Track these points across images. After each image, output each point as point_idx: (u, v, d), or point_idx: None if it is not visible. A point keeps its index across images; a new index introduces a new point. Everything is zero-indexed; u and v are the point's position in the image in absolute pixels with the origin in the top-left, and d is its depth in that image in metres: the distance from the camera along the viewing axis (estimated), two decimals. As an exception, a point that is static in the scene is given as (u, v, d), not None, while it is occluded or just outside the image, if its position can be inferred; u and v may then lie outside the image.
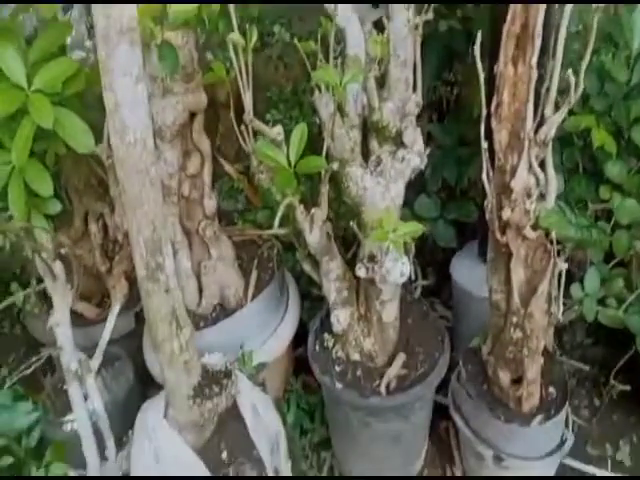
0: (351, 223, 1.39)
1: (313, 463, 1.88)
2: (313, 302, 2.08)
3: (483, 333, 1.63)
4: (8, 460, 0.87)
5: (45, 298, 1.84)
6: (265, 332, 1.78)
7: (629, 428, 1.96)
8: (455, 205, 1.99)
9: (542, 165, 1.30)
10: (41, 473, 0.95)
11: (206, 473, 1.33)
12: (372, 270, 1.40)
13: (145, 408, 1.42)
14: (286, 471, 1.42)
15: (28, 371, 0.90)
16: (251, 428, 1.43)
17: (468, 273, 1.87)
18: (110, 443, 1.09)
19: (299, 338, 1.93)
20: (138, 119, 0.98)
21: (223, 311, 1.71)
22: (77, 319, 1.70)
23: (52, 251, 0.98)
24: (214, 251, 1.67)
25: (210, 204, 1.62)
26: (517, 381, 1.52)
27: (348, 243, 1.81)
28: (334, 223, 1.53)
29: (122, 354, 1.77)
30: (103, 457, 1.15)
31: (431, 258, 2.12)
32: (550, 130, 1.26)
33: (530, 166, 1.30)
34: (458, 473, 1.86)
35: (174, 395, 1.31)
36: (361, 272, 1.42)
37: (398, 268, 1.41)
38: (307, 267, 1.60)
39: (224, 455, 1.40)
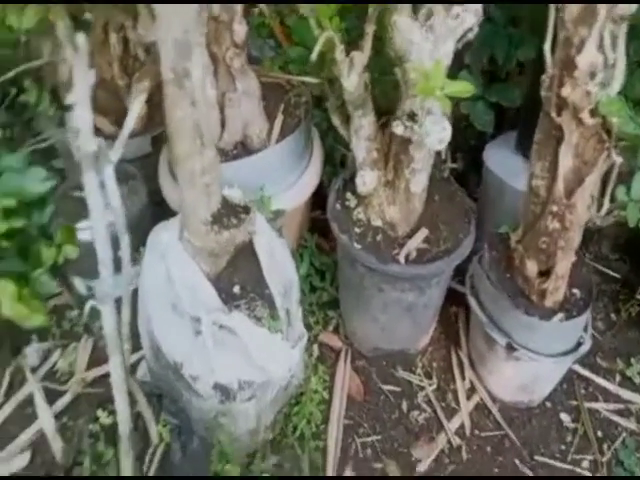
0: (396, 70, 1.27)
1: (319, 320, 1.92)
2: (334, 167, 2.03)
3: (514, 221, 1.57)
4: (17, 223, 0.86)
5: (59, 104, 1.82)
6: (286, 180, 1.73)
7: (643, 347, 1.93)
8: (499, 87, 1.82)
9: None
10: (52, 253, 0.95)
11: (217, 300, 1.35)
12: (410, 129, 1.31)
13: (159, 228, 1.42)
14: (297, 316, 1.43)
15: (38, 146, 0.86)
16: (265, 268, 1.43)
17: (502, 162, 1.77)
18: (125, 243, 1.08)
19: (316, 200, 1.90)
20: None
21: (244, 150, 1.66)
22: (95, 134, 1.69)
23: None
24: (240, 84, 1.58)
25: (240, 30, 1.50)
26: (544, 274, 1.47)
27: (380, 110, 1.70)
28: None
29: (137, 174, 1.75)
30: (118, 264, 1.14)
31: (463, 142, 1.99)
32: (631, 6, 1.09)
33: (601, 43, 1.15)
34: (463, 357, 1.88)
35: (191, 218, 1.30)
36: (398, 129, 1.33)
37: (438, 132, 1.31)
38: (336, 121, 1.51)
39: (236, 289, 1.42)
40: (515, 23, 1.77)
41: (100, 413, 1.39)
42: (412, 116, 1.30)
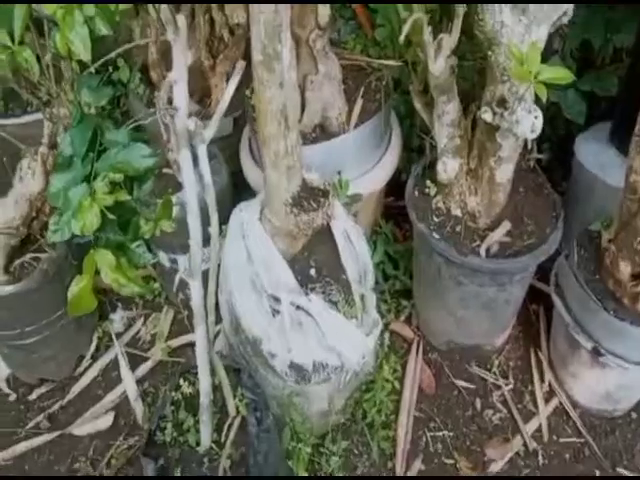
0: (489, 54, 1.22)
1: (391, 308, 1.90)
2: (411, 152, 1.99)
3: (607, 218, 1.48)
4: (123, 196, 0.92)
5: (149, 83, 1.89)
6: (363, 165, 1.72)
7: None
8: (594, 75, 1.71)
9: None
10: (150, 227, 1.00)
11: (293, 282, 1.38)
12: (500, 116, 1.27)
13: (240, 208, 1.46)
14: (372, 303, 1.43)
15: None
16: (342, 253, 1.44)
17: (595, 155, 1.67)
18: (215, 216, 1.11)
19: (391, 186, 1.88)
20: None
21: (323, 133, 1.65)
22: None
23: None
24: (322, 67, 1.57)
25: (324, 12, 1.49)
26: (638, 276, 1.37)
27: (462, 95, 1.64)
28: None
29: (218, 154, 1.79)
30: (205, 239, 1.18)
31: (550, 132, 1.88)
32: None
33: None
34: (542, 358, 1.80)
35: (272, 199, 1.32)
36: (487, 116, 1.29)
37: (530, 121, 1.26)
38: (418, 105, 1.48)
39: (312, 271, 1.44)
40: (612, 6, 1.65)
41: (182, 382, 1.45)
42: (502, 102, 1.25)
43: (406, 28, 1.13)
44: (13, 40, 1.14)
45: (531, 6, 1.20)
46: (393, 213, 2.00)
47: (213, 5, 1.67)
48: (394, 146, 1.79)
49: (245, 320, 1.40)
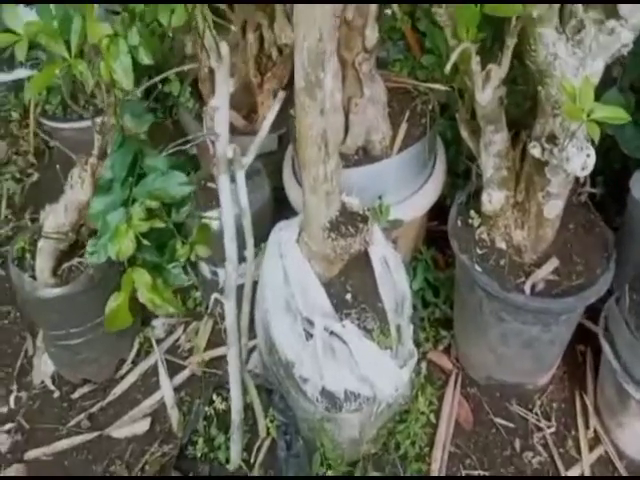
0: (539, 89, 1.18)
1: (429, 337, 1.85)
2: (456, 178, 1.94)
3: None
4: (158, 224, 0.94)
5: (199, 96, 1.92)
6: (406, 190, 1.69)
7: None
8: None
9: None
10: (185, 250, 1.02)
11: (328, 306, 1.37)
12: (550, 152, 1.22)
13: (279, 227, 1.46)
14: (408, 333, 1.40)
15: (181, 147, 0.92)
16: (379, 281, 1.42)
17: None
18: (250, 241, 1.13)
19: (434, 211, 1.84)
20: None
21: (366, 156, 1.63)
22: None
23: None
24: (367, 90, 1.55)
25: (372, 35, 1.47)
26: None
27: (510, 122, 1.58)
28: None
29: (261, 170, 1.80)
30: (241, 257, 1.20)
31: (605, 166, 1.78)
32: None
33: None
34: (588, 403, 1.71)
35: (310, 223, 1.32)
36: (535, 151, 1.24)
37: (581, 158, 1.20)
38: (464, 133, 1.45)
39: (348, 297, 1.42)
40: None
41: (215, 397, 1.47)
42: (552, 138, 1.20)
43: (453, 57, 1.11)
44: (70, 52, 1.20)
45: (587, 39, 1.15)
46: (435, 237, 1.95)
47: (264, 23, 1.70)
48: (438, 172, 1.76)
49: (279, 341, 1.40)
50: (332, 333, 1.35)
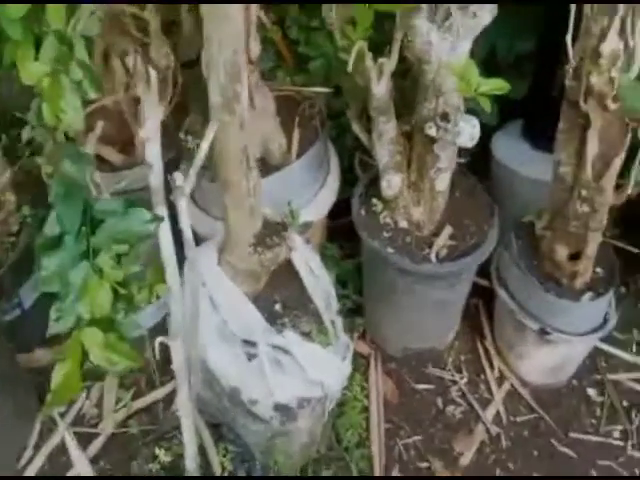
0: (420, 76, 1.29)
1: (346, 328, 1.90)
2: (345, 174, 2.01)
3: (529, 209, 1.61)
4: (134, 268, 0.83)
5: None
6: (309, 192, 1.72)
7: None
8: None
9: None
10: (145, 295, 0.92)
11: (263, 322, 1.33)
12: (444, 130, 1.33)
13: (193, 256, 1.38)
14: (339, 325, 1.43)
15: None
16: (307, 283, 1.42)
17: (511, 152, 1.82)
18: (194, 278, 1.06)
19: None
20: None
21: (265, 166, 1.61)
22: (101, 164, 1.63)
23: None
24: (257, 101, 1.53)
25: (255, 47, 1.47)
26: (574, 257, 1.51)
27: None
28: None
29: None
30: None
31: None
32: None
33: (622, 30, 1.20)
34: (489, 347, 1.91)
35: (235, 241, 1.27)
36: (431, 131, 1.35)
37: (469, 130, 1.34)
38: (357, 127, 1.52)
39: (277, 307, 1.41)
40: (516, 14, 1.79)
41: (157, 451, 1.34)
42: (445, 116, 1.31)
43: (352, 57, 1.15)
44: None
45: (455, 24, 1.28)
46: (335, 233, 2.01)
47: (129, 48, 1.56)
48: (334, 169, 1.81)
49: (219, 371, 1.33)
50: (275, 347, 1.33)
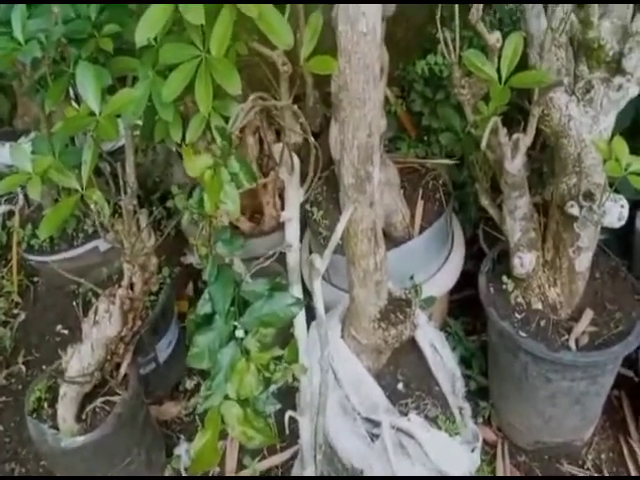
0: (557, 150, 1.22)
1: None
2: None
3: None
4: (278, 352, 0.86)
5: None
6: (433, 266, 1.68)
7: None
8: None
9: None
10: (282, 373, 0.92)
11: (386, 401, 1.29)
12: (588, 209, 1.24)
13: (327, 332, 1.38)
14: (468, 412, 1.34)
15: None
16: (432, 363, 1.36)
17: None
18: (325, 354, 1.06)
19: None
20: (374, 7, 0.90)
21: (388, 239, 1.60)
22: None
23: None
24: (382, 174, 1.55)
25: (381, 121, 1.49)
26: None
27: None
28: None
29: (282, 272, 1.73)
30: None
31: None
32: None
33: None
34: (635, 445, 1.69)
35: (359, 316, 1.26)
36: (574, 210, 1.26)
37: (617, 210, 1.24)
38: (486, 202, 1.46)
39: (400, 386, 1.35)
40: None
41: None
42: (589, 195, 1.23)
43: (487, 132, 1.12)
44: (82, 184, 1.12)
45: (597, 97, 1.21)
46: (453, 308, 1.94)
47: (262, 125, 1.66)
48: (458, 243, 1.76)
49: (342, 448, 1.28)
50: (398, 430, 1.27)
